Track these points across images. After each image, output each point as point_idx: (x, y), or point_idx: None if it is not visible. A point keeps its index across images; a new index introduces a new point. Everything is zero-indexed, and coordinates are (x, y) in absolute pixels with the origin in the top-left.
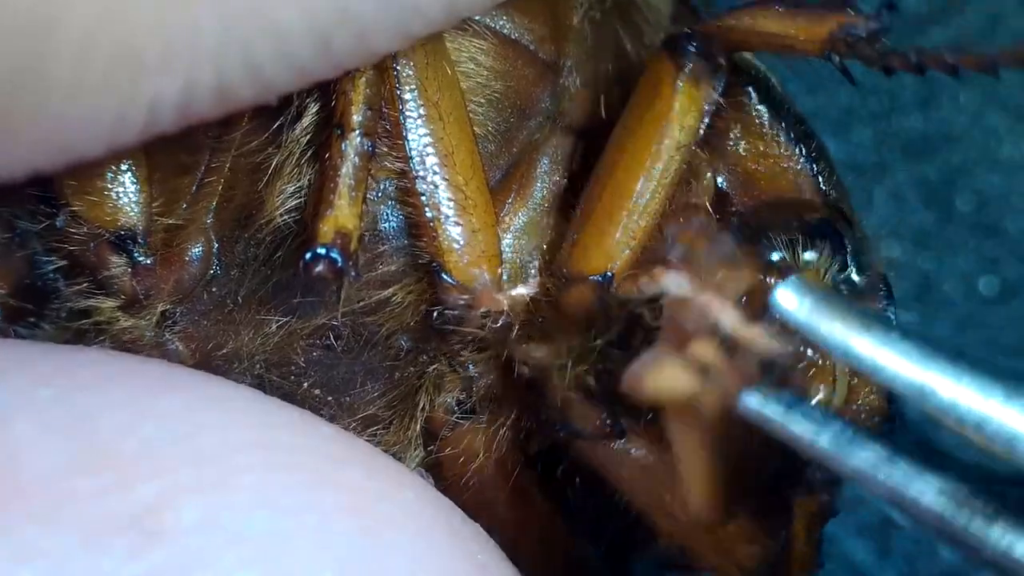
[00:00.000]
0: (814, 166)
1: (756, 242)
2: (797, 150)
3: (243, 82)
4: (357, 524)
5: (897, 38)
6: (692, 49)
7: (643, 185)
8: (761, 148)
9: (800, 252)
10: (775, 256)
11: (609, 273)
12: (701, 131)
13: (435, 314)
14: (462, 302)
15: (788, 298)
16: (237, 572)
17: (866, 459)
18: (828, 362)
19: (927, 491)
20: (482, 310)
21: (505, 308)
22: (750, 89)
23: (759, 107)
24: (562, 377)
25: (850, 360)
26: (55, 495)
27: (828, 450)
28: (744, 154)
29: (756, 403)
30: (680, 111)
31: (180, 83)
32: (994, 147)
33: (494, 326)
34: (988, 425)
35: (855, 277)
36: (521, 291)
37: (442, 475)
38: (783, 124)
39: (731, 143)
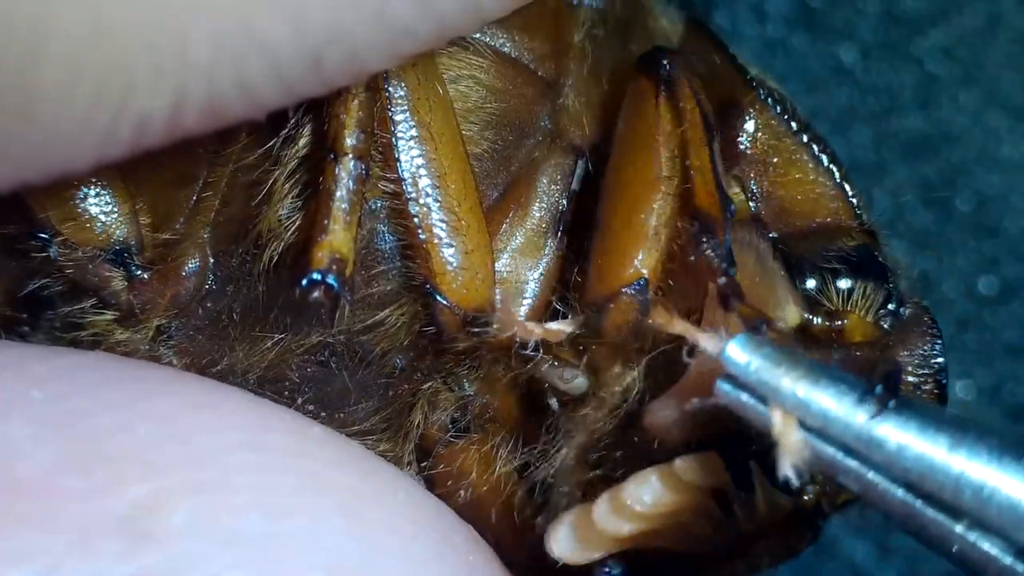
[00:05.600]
0: (847, 189)
1: (794, 273)
2: (830, 174)
3: (233, 99)
4: (348, 526)
5: (897, 38)
6: (665, 68)
7: (653, 194)
8: (795, 174)
9: (836, 282)
10: (811, 284)
11: (642, 280)
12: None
13: (431, 334)
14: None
15: (738, 353)
16: (228, 573)
17: (835, 451)
18: None
19: (894, 486)
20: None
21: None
22: (778, 111)
23: (787, 132)
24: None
25: (801, 414)
26: (47, 496)
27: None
28: (777, 180)
29: (731, 390)
30: (664, 125)
31: (170, 99)
32: (994, 147)
33: (521, 352)
34: (932, 472)
35: (900, 310)
36: (558, 327)
37: (434, 491)
38: (813, 148)
39: (765, 169)
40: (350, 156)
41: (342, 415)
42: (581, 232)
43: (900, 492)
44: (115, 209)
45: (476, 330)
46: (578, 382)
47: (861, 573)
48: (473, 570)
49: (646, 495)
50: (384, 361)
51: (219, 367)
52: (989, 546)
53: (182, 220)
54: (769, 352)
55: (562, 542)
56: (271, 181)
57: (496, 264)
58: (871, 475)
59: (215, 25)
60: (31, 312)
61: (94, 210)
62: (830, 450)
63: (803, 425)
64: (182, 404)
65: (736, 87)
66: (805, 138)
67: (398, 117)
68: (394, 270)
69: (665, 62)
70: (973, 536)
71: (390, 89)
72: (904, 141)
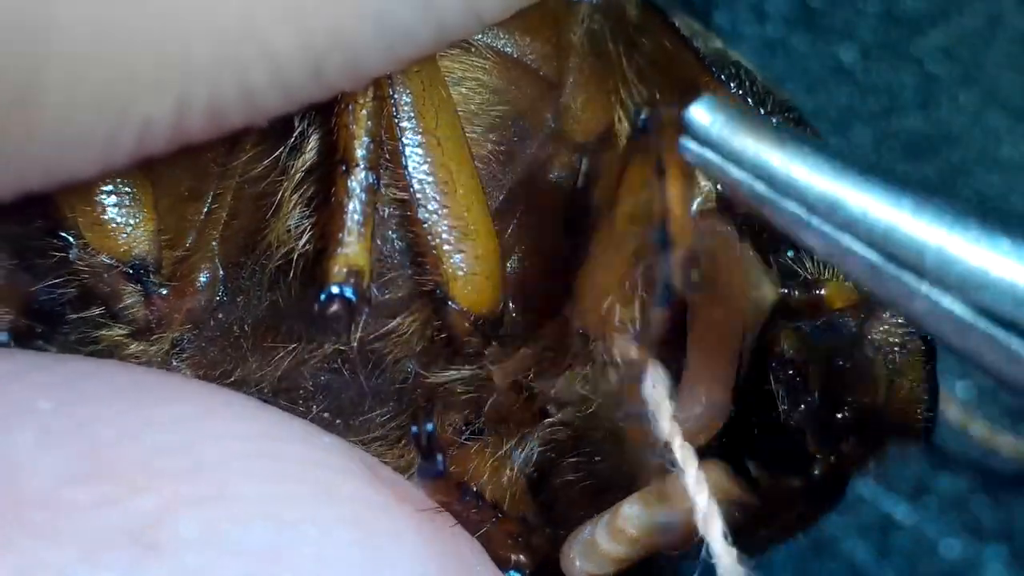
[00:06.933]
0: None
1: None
2: None
3: (235, 105)
4: (356, 536)
5: (897, 38)
6: (642, 127)
7: (600, 254)
8: None
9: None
10: (786, 255)
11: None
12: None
13: (443, 339)
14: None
15: (701, 115)
16: None
17: (798, 210)
18: (868, 368)
19: (858, 244)
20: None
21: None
22: (733, 88)
23: (738, 101)
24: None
25: (763, 174)
26: (55, 508)
27: (765, 196)
28: None
29: (695, 148)
30: (628, 183)
31: (172, 104)
32: (994, 147)
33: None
34: (895, 234)
35: None
36: None
37: None
38: (773, 120)
39: None
40: (361, 167)
41: (357, 422)
42: (587, 229)
43: (863, 251)
44: (141, 225)
45: (487, 333)
46: (568, 389)
47: (861, 573)
48: None
49: (638, 520)
50: (398, 367)
51: (232, 378)
52: (950, 303)
53: (193, 234)
54: (733, 113)
55: (578, 562)
56: (278, 192)
57: (505, 266)
58: (834, 235)
59: (219, 30)
60: (46, 324)
61: (121, 221)
62: (793, 208)
63: (767, 184)
64: (189, 413)
65: (692, 68)
66: (763, 112)
67: (404, 124)
68: (404, 277)
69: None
70: (935, 295)
71: (395, 96)
72: (904, 141)
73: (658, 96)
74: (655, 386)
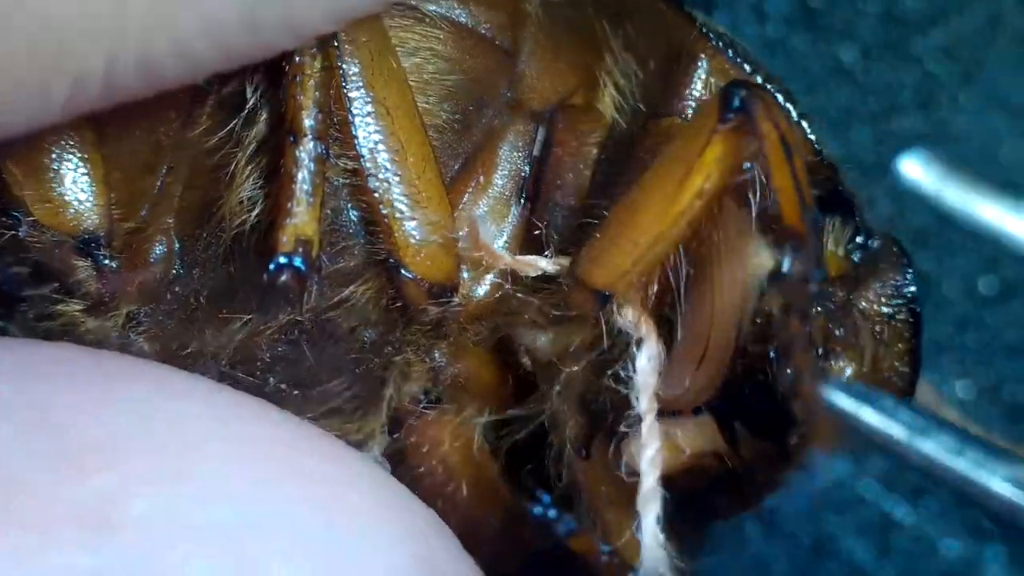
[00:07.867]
0: (805, 126)
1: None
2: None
3: (169, 59)
4: (314, 512)
5: (897, 38)
6: (739, 101)
7: (654, 223)
8: None
9: None
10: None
11: (607, 293)
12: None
13: (398, 307)
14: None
15: (914, 168)
16: (194, 563)
17: (935, 447)
18: (856, 337)
19: (995, 477)
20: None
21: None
22: (730, 55)
23: (741, 75)
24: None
25: (978, 228)
26: (8, 487)
27: (900, 439)
28: None
29: (833, 396)
30: (710, 159)
31: (104, 57)
32: (994, 147)
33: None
34: None
35: (869, 242)
36: (533, 260)
37: (405, 463)
38: (767, 88)
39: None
40: (309, 137)
41: (315, 393)
42: (544, 196)
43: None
44: (90, 199)
45: (442, 300)
46: (543, 340)
47: (861, 573)
48: (435, 556)
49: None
50: (353, 337)
51: (189, 350)
52: None
53: (147, 207)
54: (947, 167)
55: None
56: (232, 162)
57: (460, 234)
58: (971, 473)
59: None
60: (4, 304)
61: (69, 196)
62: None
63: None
64: (147, 393)
65: (686, 35)
66: (759, 79)
67: (353, 94)
68: (357, 246)
69: (739, 97)
70: None
71: (344, 67)
72: (904, 141)
73: (650, 64)
74: (649, 360)
